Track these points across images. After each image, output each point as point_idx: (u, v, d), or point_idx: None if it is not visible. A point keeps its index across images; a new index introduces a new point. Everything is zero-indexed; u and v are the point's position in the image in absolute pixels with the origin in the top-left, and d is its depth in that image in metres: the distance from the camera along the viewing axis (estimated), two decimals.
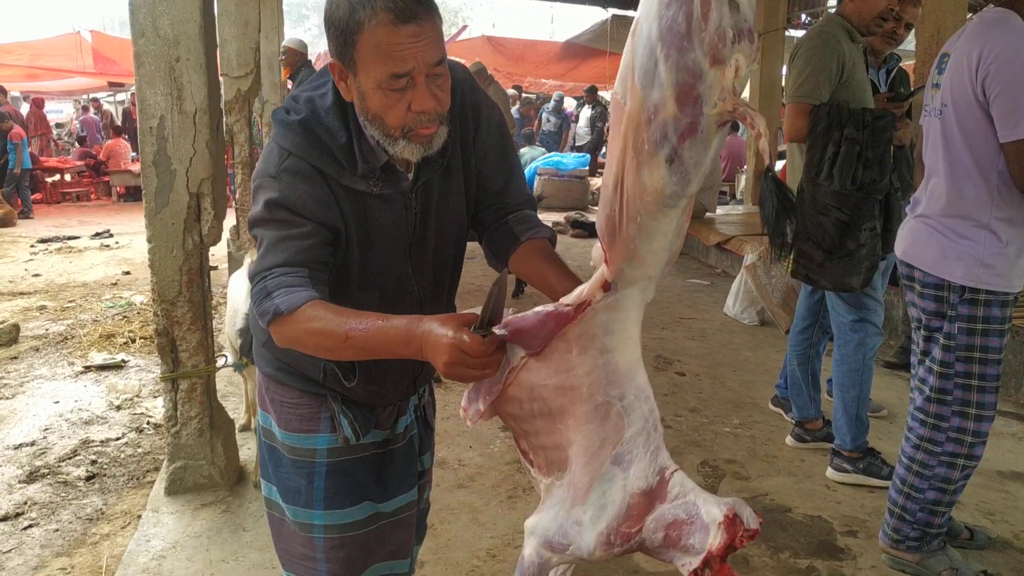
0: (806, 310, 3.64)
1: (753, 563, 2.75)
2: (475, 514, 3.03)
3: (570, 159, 11.89)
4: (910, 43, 6.56)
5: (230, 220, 6.16)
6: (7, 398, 4.46)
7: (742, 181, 11.28)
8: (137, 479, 3.51)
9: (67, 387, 4.63)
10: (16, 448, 3.81)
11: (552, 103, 15.09)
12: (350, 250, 1.51)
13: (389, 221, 1.53)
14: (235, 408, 3.92)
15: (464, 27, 20.50)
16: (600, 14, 14.52)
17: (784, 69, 9.97)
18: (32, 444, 3.86)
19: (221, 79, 5.81)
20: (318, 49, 14.69)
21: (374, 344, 1.34)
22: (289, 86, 7.31)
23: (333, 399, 1.64)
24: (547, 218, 9.62)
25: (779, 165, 9.52)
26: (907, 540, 2.64)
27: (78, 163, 14.49)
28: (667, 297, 6.58)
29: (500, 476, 3.37)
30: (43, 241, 9.50)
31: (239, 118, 6.33)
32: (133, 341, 5.46)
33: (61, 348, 5.37)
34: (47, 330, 5.79)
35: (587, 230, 9.34)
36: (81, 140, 16.41)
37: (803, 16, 11.34)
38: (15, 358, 5.15)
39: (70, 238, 9.71)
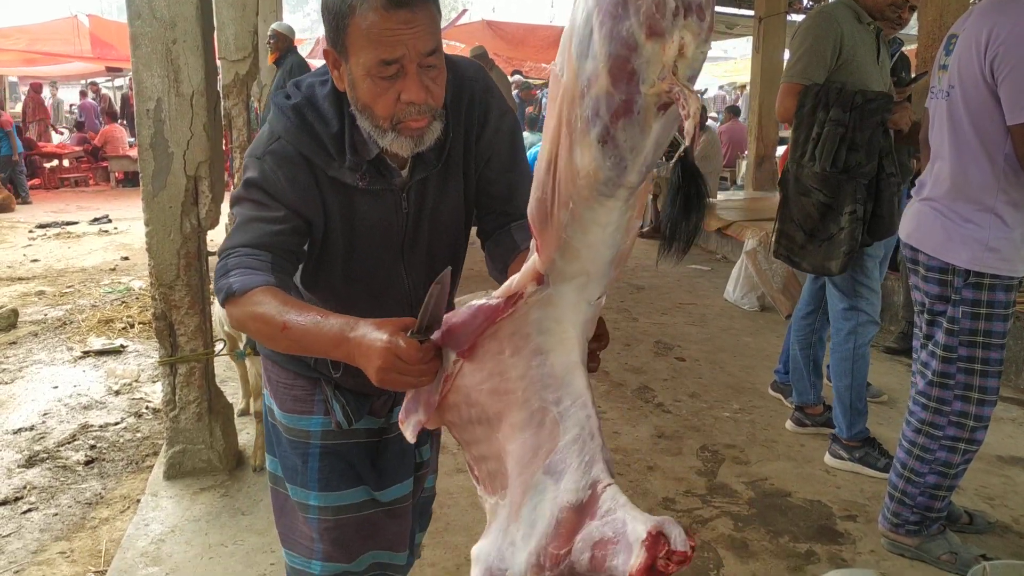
0: (810, 296, 3.62)
1: (752, 547, 2.75)
2: (473, 498, 3.02)
3: None
4: (912, 28, 6.52)
5: (228, 204, 6.14)
6: (6, 383, 4.45)
7: (743, 167, 11.25)
8: (136, 463, 3.51)
9: (66, 372, 4.62)
10: (15, 433, 3.81)
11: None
12: (333, 242, 1.48)
13: (376, 218, 1.49)
14: (234, 393, 3.91)
15: (464, 11, 20.37)
16: None
17: (784, 54, 9.94)
18: (31, 429, 3.85)
19: (219, 63, 5.78)
20: (318, 34, 14.62)
21: (308, 341, 1.28)
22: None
23: (326, 383, 1.64)
24: None
25: (780, 151, 9.49)
26: (907, 524, 2.64)
27: (76, 148, 14.43)
28: (667, 283, 6.57)
29: None
30: (41, 226, 9.48)
31: (237, 102, 6.28)
32: (132, 326, 5.46)
33: (60, 333, 5.36)
34: (46, 315, 5.78)
35: None
36: (79, 125, 16.34)
37: (805, 0, 11.27)
38: (14, 343, 5.14)
39: (68, 223, 9.69)
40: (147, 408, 4.10)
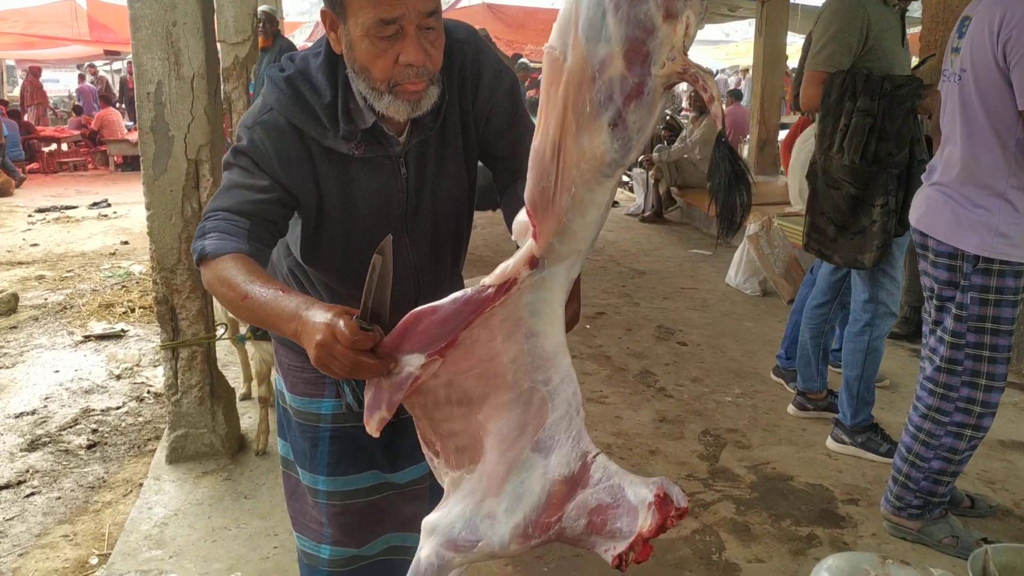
0: (827, 286, 3.55)
1: (754, 531, 2.75)
2: None
3: None
4: (915, 11, 6.47)
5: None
6: (7, 367, 4.45)
7: (744, 151, 11.21)
8: (138, 447, 3.51)
9: (67, 356, 4.62)
10: (17, 417, 3.81)
11: None
12: (332, 216, 1.47)
13: (376, 187, 1.48)
14: (235, 377, 3.91)
15: None
16: None
17: (787, 37, 9.87)
18: (33, 413, 3.85)
19: (219, 46, 5.73)
20: (316, 18, 14.51)
21: (264, 313, 1.26)
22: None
23: None
24: None
25: (782, 135, 9.44)
26: (909, 508, 2.64)
27: (74, 133, 14.37)
28: (669, 267, 6.56)
29: None
30: (41, 211, 9.44)
31: (237, 85, 6.24)
32: (132, 311, 5.45)
33: (60, 318, 5.36)
34: (46, 300, 5.77)
35: None
36: (78, 109, 16.27)
37: None
38: (14, 327, 5.14)
39: (68, 208, 9.66)
40: (148, 392, 4.10)
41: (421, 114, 1.40)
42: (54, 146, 14.05)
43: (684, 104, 13.21)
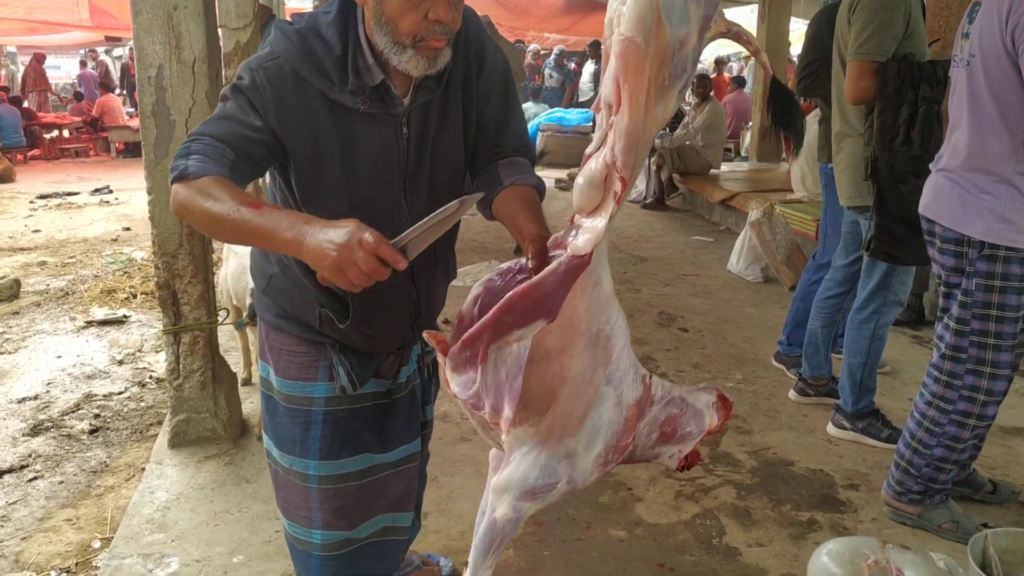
0: (843, 277, 3.49)
1: (755, 515, 2.76)
2: (478, 467, 3.03)
3: (573, 115, 11.74)
4: None
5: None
6: (9, 353, 4.46)
7: (747, 138, 11.18)
8: (140, 432, 3.52)
9: (69, 342, 4.63)
10: (19, 402, 3.82)
11: (552, 58, 14.83)
12: (331, 171, 1.48)
13: (378, 145, 1.49)
14: (237, 362, 3.91)
15: None
16: None
17: (791, 23, 9.82)
18: (35, 398, 3.86)
19: (220, 31, 5.71)
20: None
21: (256, 224, 1.25)
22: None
23: (331, 347, 1.63)
24: (550, 174, 9.55)
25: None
26: (910, 493, 2.65)
27: (76, 119, 14.34)
28: (671, 254, 6.55)
29: None
30: (42, 197, 9.44)
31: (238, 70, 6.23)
32: (134, 296, 5.46)
33: (62, 303, 5.36)
34: (48, 286, 5.77)
35: None
36: (79, 96, 16.23)
37: None
38: (16, 313, 5.14)
39: (69, 194, 9.65)
40: (150, 377, 4.11)
41: (433, 72, 1.42)
42: (55, 132, 14.03)
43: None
